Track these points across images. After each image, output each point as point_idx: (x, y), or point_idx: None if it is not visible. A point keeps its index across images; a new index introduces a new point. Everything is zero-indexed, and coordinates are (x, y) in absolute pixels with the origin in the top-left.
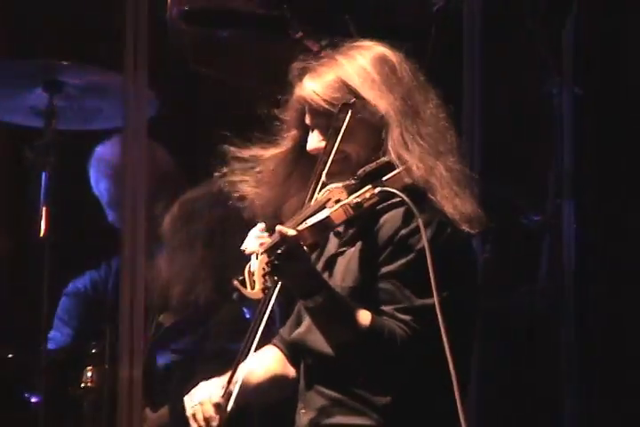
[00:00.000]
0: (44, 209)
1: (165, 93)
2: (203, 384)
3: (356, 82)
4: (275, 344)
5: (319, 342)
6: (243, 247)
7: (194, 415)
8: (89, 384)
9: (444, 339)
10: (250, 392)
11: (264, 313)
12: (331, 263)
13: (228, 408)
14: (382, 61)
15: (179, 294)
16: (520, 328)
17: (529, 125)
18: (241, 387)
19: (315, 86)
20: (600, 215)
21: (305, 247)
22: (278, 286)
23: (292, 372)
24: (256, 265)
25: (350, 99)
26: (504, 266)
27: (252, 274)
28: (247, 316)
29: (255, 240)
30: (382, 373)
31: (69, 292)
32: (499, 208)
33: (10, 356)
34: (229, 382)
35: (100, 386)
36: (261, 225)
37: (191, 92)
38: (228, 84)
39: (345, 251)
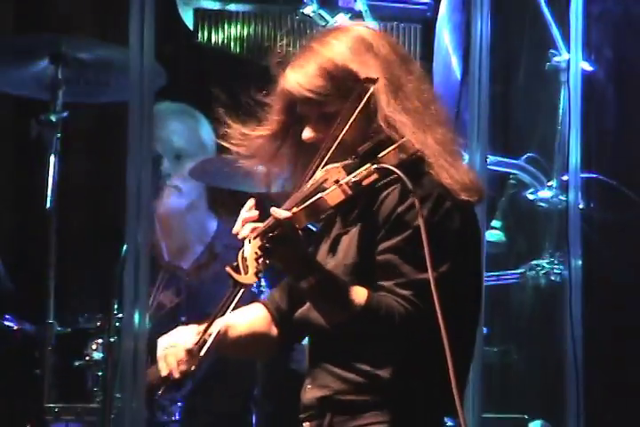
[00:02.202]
0: (49, 181)
1: (171, 66)
2: (180, 328)
3: (334, 64)
4: (263, 303)
5: (322, 319)
6: (234, 231)
7: (165, 357)
8: (93, 358)
9: (439, 314)
10: (228, 345)
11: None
12: (335, 242)
13: (200, 355)
14: (358, 41)
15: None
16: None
17: (537, 101)
18: (220, 338)
19: (297, 78)
20: (606, 192)
21: (300, 230)
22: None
23: (273, 331)
24: (248, 250)
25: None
26: (514, 241)
27: (245, 259)
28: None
29: (247, 225)
30: (382, 349)
31: None
32: (505, 184)
33: (16, 328)
34: (205, 331)
35: (103, 359)
36: (251, 202)
37: (196, 65)
38: (233, 58)
39: (349, 230)
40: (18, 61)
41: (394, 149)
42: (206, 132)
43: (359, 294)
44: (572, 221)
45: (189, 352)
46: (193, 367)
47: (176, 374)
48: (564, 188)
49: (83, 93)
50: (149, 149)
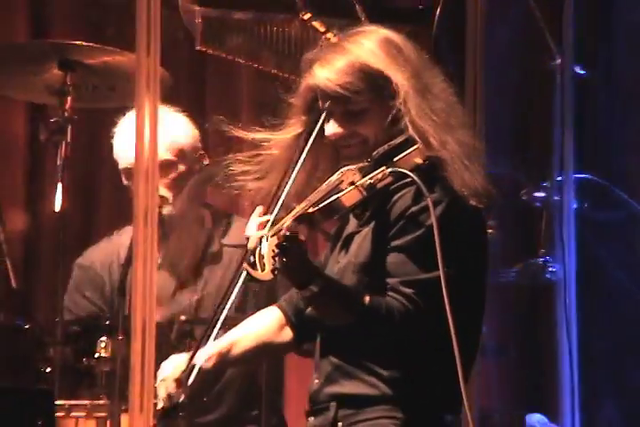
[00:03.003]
0: (59, 184)
1: (176, 73)
2: (171, 358)
3: (367, 63)
4: (278, 305)
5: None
6: (245, 234)
7: (158, 389)
8: (102, 354)
9: (448, 312)
10: (233, 361)
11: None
12: (348, 242)
13: (189, 383)
14: (388, 43)
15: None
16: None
17: (531, 103)
18: (223, 357)
19: (327, 73)
20: (599, 189)
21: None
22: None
23: (284, 335)
24: (265, 248)
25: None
26: (508, 241)
27: (262, 257)
28: None
29: (256, 226)
30: (385, 346)
31: (83, 263)
32: (503, 185)
33: (26, 326)
34: (191, 358)
35: (113, 356)
36: (259, 209)
37: (200, 72)
38: (238, 64)
39: (361, 230)
40: (27, 68)
41: (410, 152)
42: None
43: (360, 296)
44: (565, 221)
45: (178, 382)
46: (182, 396)
47: (167, 405)
48: (557, 188)
49: (90, 98)
50: (156, 153)
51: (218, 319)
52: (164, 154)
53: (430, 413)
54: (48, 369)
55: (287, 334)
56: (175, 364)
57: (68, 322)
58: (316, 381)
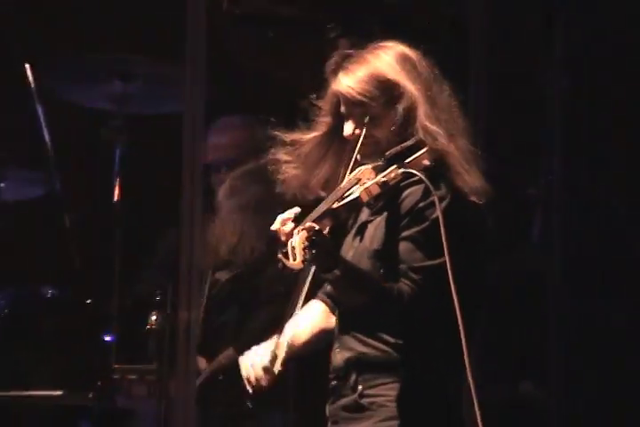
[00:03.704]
0: (117, 180)
1: (220, 83)
2: (254, 348)
3: (384, 74)
4: (320, 297)
5: None
6: (272, 228)
7: (247, 377)
8: (153, 327)
9: (454, 294)
10: (299, 349)
11: (304, 284)
12: (362, 229)
13: (275, 370)
14: (404, 58)
15: (233, 252)
16: (517, 285)
17: (527, 109)
18: (291, 346)
19: (349, 81)
20: (586, 188)
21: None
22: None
23: (332, 321)
24: (297, 240)
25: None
26: (504, 232)
27: (293, 248)
28: None
29: (283, 222)
30: (397, 322)
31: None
32: (500, 183)
33: (88, 301)
34: (275, 348)
35: (162, 328)
36: (297, 209)
37: (242, 83)
38: (273, 76)
39: (374, 219)
40: (91, 78)
41: (419, 155)
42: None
43: (377, 280)
44: (555, 214)
45: (266, 370)
46: (271, 381)
47: (256, 390)
48: (547, 186)
49: (145, 105)
50: (201, 153)
51: (293, 312)
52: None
53: (437, 378)
54: (107, 338)
55: (334, 320)
56: (260, 353)
57: (124, 298)
58: (337, 350)
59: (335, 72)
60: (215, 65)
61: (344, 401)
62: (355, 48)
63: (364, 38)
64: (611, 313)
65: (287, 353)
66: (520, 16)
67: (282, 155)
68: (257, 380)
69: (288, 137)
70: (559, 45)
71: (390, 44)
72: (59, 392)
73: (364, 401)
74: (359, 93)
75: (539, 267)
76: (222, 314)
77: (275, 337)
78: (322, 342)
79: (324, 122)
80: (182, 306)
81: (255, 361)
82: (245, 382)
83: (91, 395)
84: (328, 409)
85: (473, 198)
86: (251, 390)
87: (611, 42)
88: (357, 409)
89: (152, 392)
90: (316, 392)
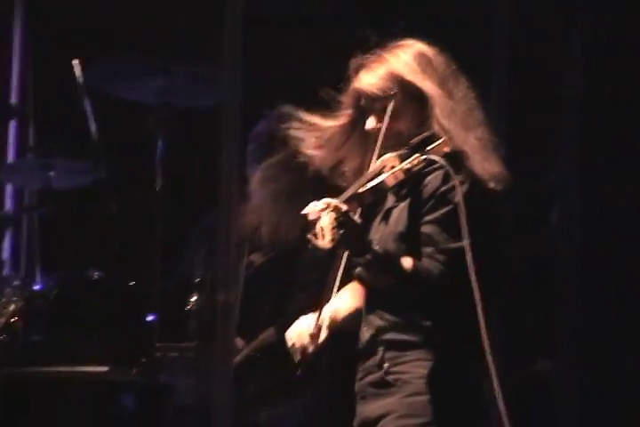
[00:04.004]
0: (159, 168)
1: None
2: (300, 320)
3: (401, 73)
4: (355, 278)
5: None
6: (304, 212)
7: (293, 345)
8: (193, 307)
9: (472, 276)
10: (339, 325)
11: (341, 260)
12: (387, 214)
13: (320, 338)
14: (421, 56)
15: (268, 235)
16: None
17: (545, 104)
18: (333, 320)
19: (370, 79)
20: (601, 178)
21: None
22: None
23: None
24: (325, 220)
25: (393, 91)
26: (523, 218)
27: (322, 229)
28: None
29: (314, 208)
30: (423, 302)
31: (202, 223)
32: (520, 172)
33: (132, 283)
34: (318, 318)
35: (201, 309)
36: (328, 199)
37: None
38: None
39: (398, 205)
40: (135, 74)
41: (439, 143)
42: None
43: (406, 262)
44: (568, 205)
45: (311, 336)
46: (316, 350)
47: (302, 357)
48: (563, 177)
49: (188, 98)
50: (239, 141)
51: (333, 286)
52: None
53: (458, 357)
54: (149, 318)
55: None
56: (305, 323)
57: (165, 280)
58: (365, 328)
59: (357, 70)
60: (250, 61)
61: (371, 378)
62: (381, 45)
63: (391, 36)
64: (624, 297)
65: (329, 327)
66: (542, 15)
67: (303, 133)
68: (303, 348)
69: (309, 118)
70: (577, 44)
71: (409, 42)
72: (104, 368)
73: (390, 378)
74: (379, 90)
75: (556, 253)
76: (259, 296)
77: (317, 312)
78: (357, 320)
79: (345, 114)
80: (220, 288)
81: (302, 330)
82: (292, 351)
83: (134, 371)
84: (356, 386)
85: (491, 185)
86: (298, 358)
87: (630, 42)
88: (383, 385)
89: (192, 369)
90: (345, 370)
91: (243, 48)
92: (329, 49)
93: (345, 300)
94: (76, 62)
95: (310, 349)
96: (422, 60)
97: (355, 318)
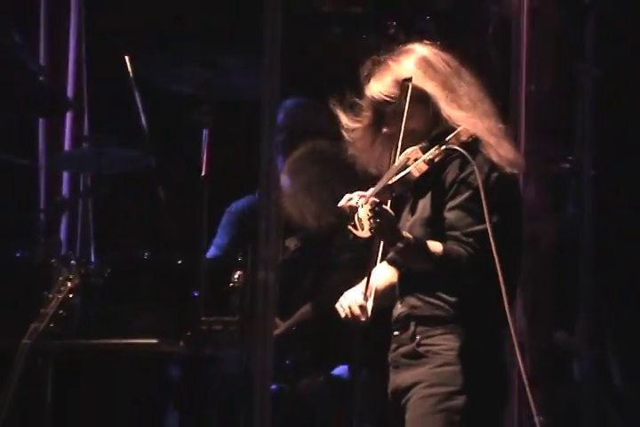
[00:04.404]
0: (204, 156)
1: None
2: (347, 292)
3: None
4: (388, 260)
5: None
6: (339, 204)
7: (346, 316)
8: (236, 284)
9: (495, 255)
10: (379, 298)
11: (378, 249)
12: (415, 203)
13: (369, 308)
14: (421, 60)
15: (301, 222)
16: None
17: (563, 96)
18: (376, 292)
19: (378, 87)
20: (614, 164)
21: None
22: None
23: None
24: (362, 212)
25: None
26: (542, 201)
27: (360, 220)
28: None
29: (348, 200)
30: (453, 282)
31: (231, 210)
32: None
33: (179, 262)
34: (366, 289)
35: (244, 285)
36: (359, 192)
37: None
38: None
39: (424, 194)
40: (181, 67)
41: (455, 134)
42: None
43: (436, 247)
44: (586, 186)
45: (362, 308)
46: (367, 319)
47: (357, 326)
48: (579, 161)
49: (230, 91)
50: (275, 130)
51: (376, 260)
52: None
53: (485, 329)
54: (195, 294)
55: None
56: (354, 295)
57: (211, 257)
58: (399, 305)
59: (368, 78)
60: (288, 56)
61: (404, 349)
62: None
63: (418, 34)
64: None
65: (375, 298)
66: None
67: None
68: (355, 317)
69: (342, 120)
70: (591, 35)
71: (412, 46)
72: (153, 341)
73: (421, 349)
74: (387, 96)
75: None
76: (295, 278)
77: (365, 284)
78: (391, 294)
79: (366, 115)
80: (261, 266)
81: (352, 301)
82: (344, 320)
83: (181, 343)
84: (390, 356)
85: (508, 170)
86: (350, 327)
87: None
88: (415, 356)
89: (234, 342)
90: (380, 342)
91: (281, 45)
92: (358, 47)
93: (381, 276)
94: (127, 57)
95: (361, 318)
96: (423, 63)
97: (389, 293)
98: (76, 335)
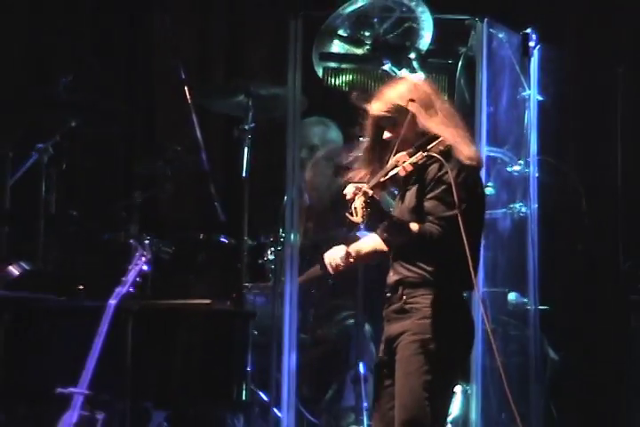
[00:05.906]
0: (244, 162)
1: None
2: (333, 248)
3: (396, 101)
4: (377, 233)
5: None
6: (344, 193)
7: (330, 263)
8: (269, 257)
9: (463, 233)
10: (361, 257)
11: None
12: (403, 196)
13: (348, 260)
14: (411, 86)
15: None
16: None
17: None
18: (357, 252)
19: (378, 106)
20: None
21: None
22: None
23: (383, 248)
24: (358, 202)
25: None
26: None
27: (356, 208)
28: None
29: (351, 190)
30: (427, 254)
31: None
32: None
33: (227, 242)
34: (348, 247)
35: (274, 259)
36: (360, 185)
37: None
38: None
39: (410, 189)
40: (227, 95)
41: (435, 144)
42: (335, 134)
43: (414, 226)
44: (531, 183)
45: (341, 258)
46: (345, 267)
47: (337, 271)
48: (527, 164)
49: (262, 112)
50: (298, 143)
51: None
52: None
53: (455, 290)
54: (239, 265)
55: (383, 247)
56: (338, 249)
57: (250, 239)
58: (391, 274)
59: (371, 100)
60: (308, 86)
61: (394, 307)
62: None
63: (406, 67)
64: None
65: (354, 255)
66: None
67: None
68: (336, 265)
69: (361, 137)
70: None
71: (403, 76)
72: (207, 301)
73: (407, 307)
74: (383, 112)
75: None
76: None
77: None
78: (374, 257)
79: (370, 131)
80: (287, 244)
81: (334, 253)
82: (328, 266)
83: (228, 303)
84: (384, 312)
85: (469, 162)
86: (331, 272)
87: None
88: (402, 312)
89: (269, 301)
90: (378, 301)
91: (301, 76)
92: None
93: (367, 242)
94: (186, 88)
95: (340, 267)
96: (410, 87)
97: (373, 255)
98: (149, 297)
